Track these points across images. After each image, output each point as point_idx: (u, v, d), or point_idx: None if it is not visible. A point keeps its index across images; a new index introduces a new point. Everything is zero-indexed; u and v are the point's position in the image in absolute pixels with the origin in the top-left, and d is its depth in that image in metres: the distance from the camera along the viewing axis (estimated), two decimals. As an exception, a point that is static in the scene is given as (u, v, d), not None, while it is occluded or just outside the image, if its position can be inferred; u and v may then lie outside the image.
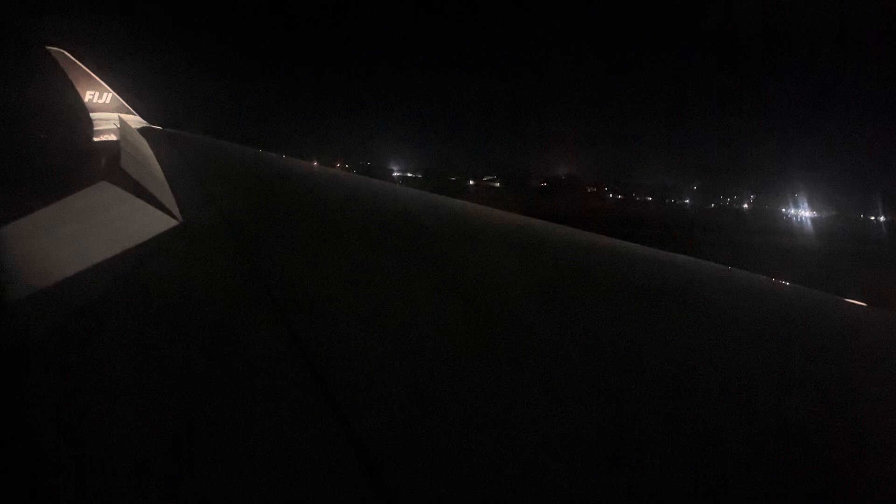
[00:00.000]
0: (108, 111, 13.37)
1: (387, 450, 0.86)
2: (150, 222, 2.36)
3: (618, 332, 1.55)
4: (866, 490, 0.90)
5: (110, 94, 13.70)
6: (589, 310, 1.76)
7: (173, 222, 2.42)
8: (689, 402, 1.14)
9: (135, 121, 12.79)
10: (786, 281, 2.61)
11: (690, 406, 1.12)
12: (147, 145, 6.44)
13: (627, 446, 0.93)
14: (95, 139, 11.66)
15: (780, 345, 1.59)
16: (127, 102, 13.83)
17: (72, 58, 13.53)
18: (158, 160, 4.93)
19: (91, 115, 13.16)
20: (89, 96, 13.55)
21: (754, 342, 1.58)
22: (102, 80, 13.68)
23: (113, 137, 10.33)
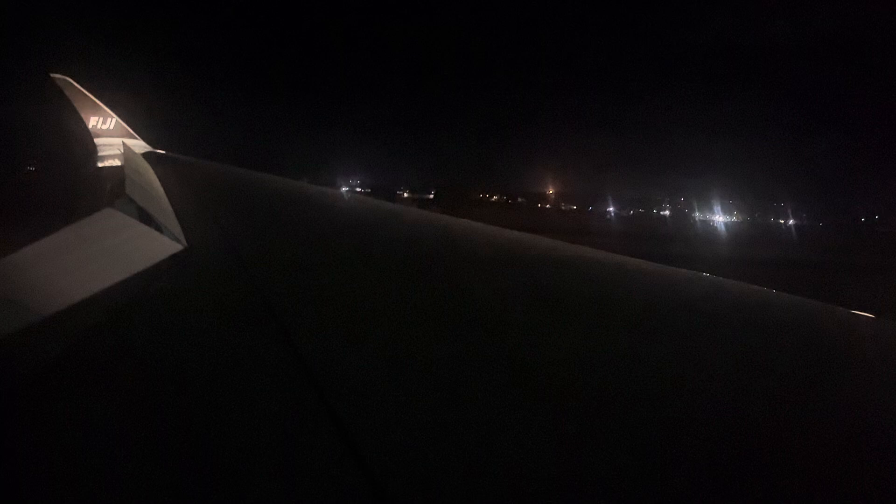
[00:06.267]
0: (112, 136, 13.47)
1: (388, 463, 0.88)
2: (155, 247, 2.40)
3: (624, 344, 1.56)
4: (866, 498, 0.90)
5: (114, 120, 13.81)
6: (588, 322, 1.78)
7: (178, 247, 2.46)
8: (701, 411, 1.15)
9: (138, 145, 12.89)
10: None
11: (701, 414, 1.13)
12: (150, 170, 6.52)
13: (633, 459, 0.93)
14: (100, 164, 11.76)
15: (776, 355, 1.60)
16: (130, 127, 13.94)
17: (75, 84, 13.69)
18: (162, 185, 5.00)
19: (95, 140, 13.27)
20: (93, 122, 13.67)
21: (749, 353, 1.59)
22: (105, 105, 13.81)
23: (117, 163, 10.43)
